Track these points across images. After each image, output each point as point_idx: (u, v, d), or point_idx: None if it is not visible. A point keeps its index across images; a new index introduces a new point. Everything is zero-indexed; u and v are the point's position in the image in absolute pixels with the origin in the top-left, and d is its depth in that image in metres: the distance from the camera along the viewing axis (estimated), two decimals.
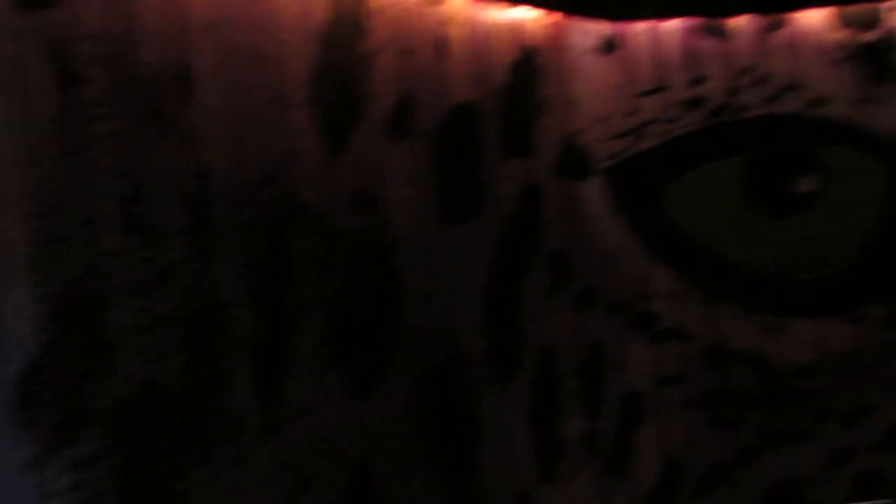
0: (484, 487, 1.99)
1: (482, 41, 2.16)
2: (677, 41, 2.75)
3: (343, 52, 1.73)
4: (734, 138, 2.82)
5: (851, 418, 2.84)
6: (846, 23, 2.56)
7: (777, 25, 2.63)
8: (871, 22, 2.62)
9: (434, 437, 1.86)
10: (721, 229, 2.83)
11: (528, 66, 2.38)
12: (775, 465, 2.89)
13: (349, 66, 1.74)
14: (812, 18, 2.60)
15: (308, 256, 1.64)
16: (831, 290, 2.82)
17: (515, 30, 2.35)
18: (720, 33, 2.81)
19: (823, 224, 2.74)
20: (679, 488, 2.80)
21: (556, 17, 2.50)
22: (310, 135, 1.69)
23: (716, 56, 2.74)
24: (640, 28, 2.70)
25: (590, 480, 2.51)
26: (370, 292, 1.79)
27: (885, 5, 2.62)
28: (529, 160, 2.36)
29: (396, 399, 1.76)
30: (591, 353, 2.62)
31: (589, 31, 2.67)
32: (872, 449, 2.82)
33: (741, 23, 2.78)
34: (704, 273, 2.89)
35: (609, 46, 2.74)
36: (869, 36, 2.60)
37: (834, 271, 2.76)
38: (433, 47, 1.97)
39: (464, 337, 1.99)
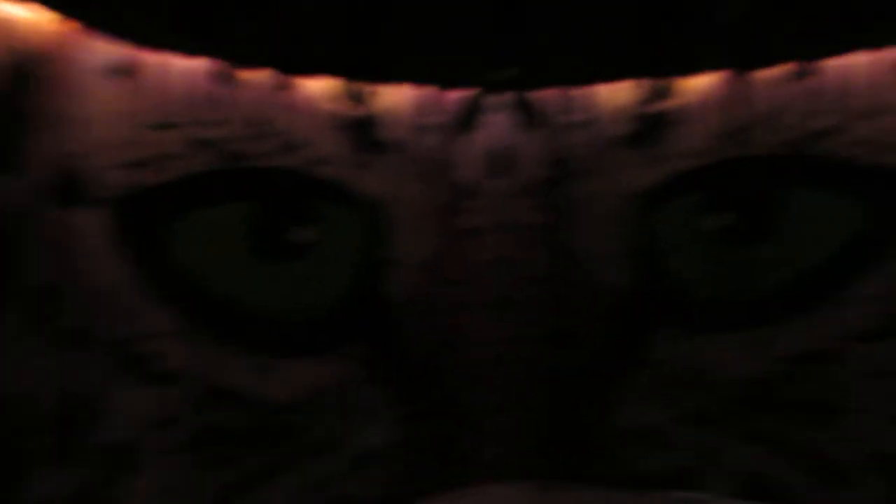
0: None
1: None
2: (195, 79, 2.74)
3: None
4: (242, 184, 2.90)
5: (329, 449, 3.12)
6: (344, 95, 3.07)
7: (287, 86, 3.03)
8: (361, 98, 3.02)
9: None
10: (224, 271, 2.87)
11: (21, 71, 2.07)
12: (265, 497, 2.98)
13: None
14: (319, 85, 3.01)
15: None
16: (318, 333, 3.09)
17: (9, 28, 2.03)
18: (235, 81, 2.89)
19: (314, 272, 3.00)
20: None
21: (66, 25, 2.25)
22: None
23: (231, 102, 2.79)
24: (157, 58, 2.60)
25: None
26: None
27: (380, 86, 3.04)
28: (13, 178, 2.03)
29: None
30: (77, 399, 2.34)
31: (102, 48, 2.46)
32: (343, 475, 3.14)
33: (257, 75, 2.93)
34: (205, 314, 2.87)
35: (124, 70, 2.56)
36: (360, 110, 3.05)
37: (321, 315, 3.03)
38: None
39: None
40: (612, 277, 2.09)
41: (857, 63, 1.92)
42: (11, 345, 1.88)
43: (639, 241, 2.11)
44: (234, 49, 2.42)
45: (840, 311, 1.96)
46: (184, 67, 2.46)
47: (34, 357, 1.98)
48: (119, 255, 2.33)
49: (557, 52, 2.30)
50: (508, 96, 2.47)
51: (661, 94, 2.13)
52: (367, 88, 2.66)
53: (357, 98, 2.76)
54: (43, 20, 2.06)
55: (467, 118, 2.51)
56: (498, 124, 2.39)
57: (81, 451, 2.12)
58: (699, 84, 2.05)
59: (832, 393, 1.93)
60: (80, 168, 2.24)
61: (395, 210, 2.64)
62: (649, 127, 2.12)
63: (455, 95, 2.59)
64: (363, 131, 2.73)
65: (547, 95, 2.35)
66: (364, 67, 2.59)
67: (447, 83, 2.58)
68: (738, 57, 2.06)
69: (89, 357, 2.20)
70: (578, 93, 2.40)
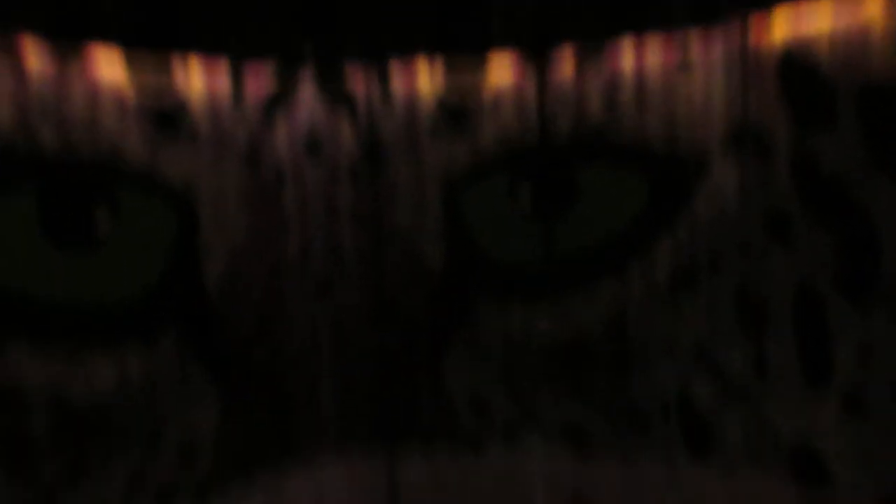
0: None
1: None
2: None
3: None
4: (34, 171, 2.64)
5: (148, 443, 2.98)
6: (140, 74, 2.85)
7: (72, 60, 2.75)
8: (163, 79, 2.82)
9: None
10: (14, 263, 2.61)
11: None
12: (82, 500, 2.81)
13: None
14: (109, 62, 2.76)
15: None
16: (127, 323, 2.90)
17: None
18: (9, 51, 2.59)
19: (118, 261, 2.81)
20: None
21: None
22: None
23: (13, 86, 2.50)
24: None
25: None
26: None
27: (178, 64, 2.84)
28: None
29: None
30: None
31: None
32: (167, 468, 3.03)
33: (32, 45, 2.63)
34: None
35: None
36: (162, 92, 2.85)
37: (129, 305, 2.85)
38: None
39: None
40: (430, 256, 2.14)
41: (650, 57, 2.05)
42: None
43: (453, 221, 2.17)
44: (21, 16, 2.13)
45: (634, 275, 2.12)
46: None
47: None
48: None
49: (359, 26, 2.27)
50: (317, 78, 2.40)
51: (470, 81, 2.15)
52: (166, 69, 2.48)
53: (158, 80, 2.57)
54: None
55: (277, 100, 2.45)
56: (310, 107, 2.34)
57: None
58: (503, 73, 2.10)
59: (632, 347, 2.11)
60: None
61: (205, 196, 2.52)
62: (458, 113, 2.15)
63: (261, 78, 2.48)
64: (166, 116, 2.57)
65: (357, 77, 2.31)
66: (158, 35, 2.41)
67: (245, 54, 2.46)
68: (535, 35, 2.12)
69: None
70: (389, 75, 2.36)
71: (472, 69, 2.22)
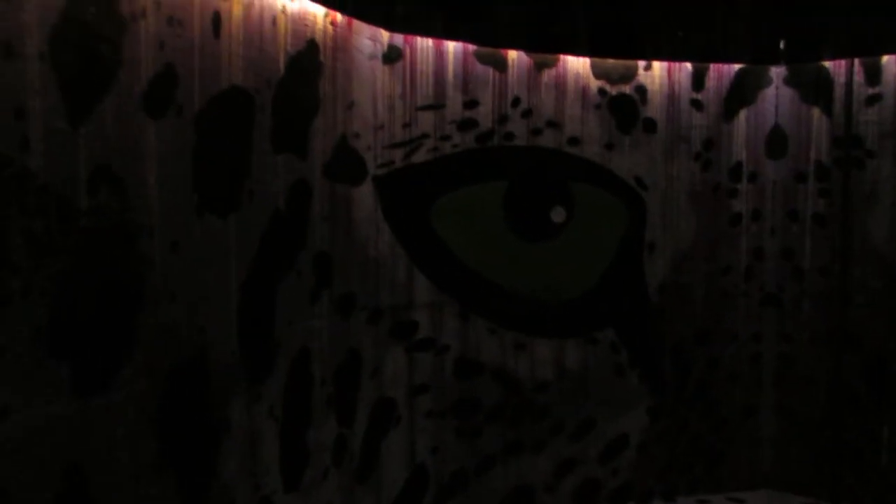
0: (224, 494, 1.84)
1: (262, 26, 2.02)
2: (456, 63, 2.83)
3: (96, 7, 1.50)
4: (499, 164, 2.96)
5: (578, 432, 3.09)
6: (603, 73, 2.80)
7: (545, 65, 2.81)
8: (625, 76, 2.87)
9: (169, 442, 1.68)
10: (479, 248, 2.96)
11: (309, 60, 2.27)
12: (511, 473, 3.07)
13: (102, 25, 1.51)
14: (574, 64, 2.83)
15: (26, 235, 1.37)
16: (570, 314, 3.04)
17: (299, 21, 2.23)
18: (495, 63, 2.94)
19: (569, 253, 2.97)
20: (423, 494, 2.86)
21: (342, 17, 2.42)
22: (45, 95, 1.42)
23: (489, 84, 2.85)
24: (421, 43, 2.73)
25: (336, 487, 2.45)
26: (105, 281, 1.56)
27: (639, 63, 2.91)
28: (300, 157, 2.25)
29: (127, 400, 1.55)
30: (348, 358, 2.58)
31: (374, 36, 2.64)
32: (594, 460, 3.10)
33: (513, 56, 2.95)
34: (461, 288, 2.99)
35: (392, 55, 2.74)
36: (620, 88, 2.81)
37: (574, 297, 2.99)
38: (206, 22, 1.79)
39: (213, 336, 1.83)
40: None
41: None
42: (296, 305, 2.06)
43: None
44: (493, 31, 2.44)
45: None
46: (445, 51, 2.55)
47: (314, 318, 2.17)
48: (384, 228, 2.47)
49: (836, 26, 1.97)
50: (788, 77, 2.22)
51: None
52: (631, 64, 2.55)
53: (619, 75, 2.68)
54: (318, 12, 2.20)
55: (740, 94, 2.32)
56: (775, 100, 2.14)
57: (354, 405, 2.30)
58: None
59: None
60: (354, 147, 2.40)
61: (655, 192, 2.52)
62: None
63: (724, 79, 2.37)
64: (623, 110, 2.64)
65: (833, 68, 2.05)
66: (619, 44, 2.47)
67: (709, 57, 2.38)
68: None
69: (359, 321, 2.36)
70: (865, 64, 2.05)
71: None
